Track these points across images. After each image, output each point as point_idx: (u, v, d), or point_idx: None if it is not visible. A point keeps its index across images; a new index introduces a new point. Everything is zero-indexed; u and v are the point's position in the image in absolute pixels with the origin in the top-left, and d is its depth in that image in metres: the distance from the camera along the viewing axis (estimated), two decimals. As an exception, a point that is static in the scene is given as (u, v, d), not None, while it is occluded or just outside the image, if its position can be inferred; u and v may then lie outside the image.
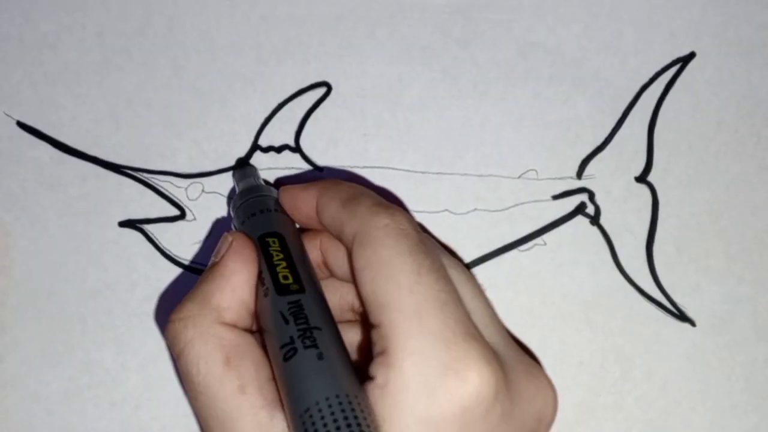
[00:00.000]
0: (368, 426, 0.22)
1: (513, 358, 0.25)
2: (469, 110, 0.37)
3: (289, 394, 0.23)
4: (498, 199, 0.37)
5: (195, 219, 0.37)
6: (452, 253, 0.34)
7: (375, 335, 0.24)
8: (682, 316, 0.36)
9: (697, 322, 0.36)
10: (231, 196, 0.33)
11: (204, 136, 0.38)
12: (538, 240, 0.37)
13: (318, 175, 0.37)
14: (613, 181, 0.37)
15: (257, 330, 0.27)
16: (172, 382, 0.36)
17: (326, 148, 0.37)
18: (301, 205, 0.29)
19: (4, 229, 0.37)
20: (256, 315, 0.27)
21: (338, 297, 0.29)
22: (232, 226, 0.31)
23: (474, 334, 0.23)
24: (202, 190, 0.37)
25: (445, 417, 0.22)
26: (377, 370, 0.23)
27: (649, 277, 0.36)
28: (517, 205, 0.37)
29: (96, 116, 0.38)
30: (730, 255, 0.36)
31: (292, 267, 0.27)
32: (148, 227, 0.37)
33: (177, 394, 0.36)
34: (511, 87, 0.38)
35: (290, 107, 0.38)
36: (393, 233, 0.25)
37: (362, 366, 0.24)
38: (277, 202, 0.31)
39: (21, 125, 0.38)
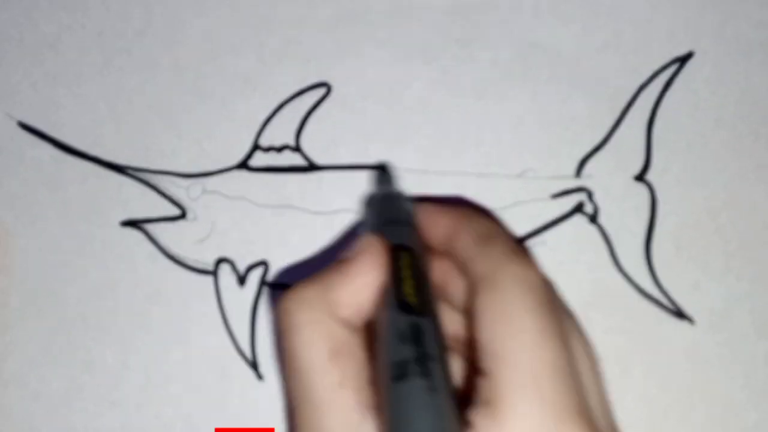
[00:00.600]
0: None
1: None
2: (469, 110, 0.38)
3: (391, 416, 0.23)
4: (497, 198, 0.37)
5: (196, 219, 0.37)
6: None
7: (482, 382, 0.23)
8: (680, 314, 0.36)
9: (695, 320, 0.36)
10: (368, 198, 0.33)
11: (205, 135, 0.38)
12: (537, 239, 0.37)
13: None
14: (611, 180, 0.37)
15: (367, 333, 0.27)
16: (174, 382, 0.36)
17: (326, 147, 0.37)
18: (437, 227, 0.29)
19: (5, 229, 0.37)
20: (373, 322, 0.26)
21: (445, 321, 0.29)
22: (363, 227, 0.31)
23: (586, 414, 0.23)
24: (203, 190, 0.37)
25: None
26: (480, 420, 0.23)
27: (647, 276, 0.36)
28: (516, 204, 0.37)
29: (97, 116, 0.38)
30: (728, 253, 0.36)
31: (419, 287, 0.26)
32: (149, 227, 0.37)
33: (178, 393, 0.36)
34: (511, 87, 0.38)
35: (291, 107, 0.38)
36: (523, 285, 0.24)
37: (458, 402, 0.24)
38: (412, 215, 0.30)
39: (22, 125, 0.38)
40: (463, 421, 0.23)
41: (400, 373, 0.23)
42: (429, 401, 0.22)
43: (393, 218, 0.30)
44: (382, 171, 0.36)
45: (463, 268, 0.27)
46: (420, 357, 0.23)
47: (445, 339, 0.25)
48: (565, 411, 0.22)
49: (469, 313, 0.26)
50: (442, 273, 0.29)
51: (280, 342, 0.25)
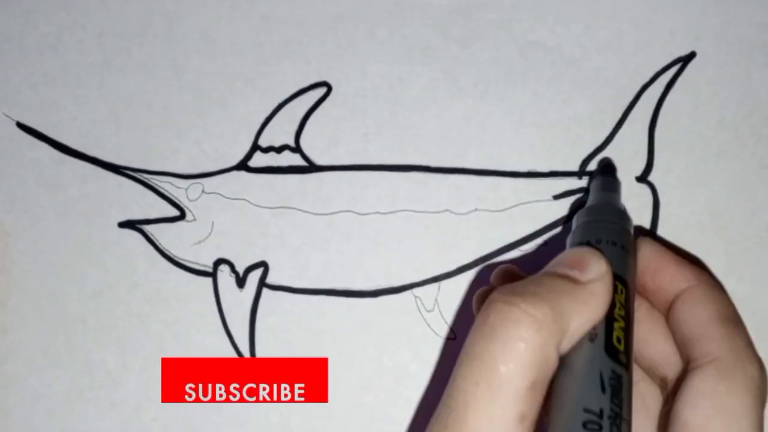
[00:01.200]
0: None
1: None
2: (470, 110, 0.37)
3: None
4: (499, 199, 0.37)
5: (195, 219, 0.37)
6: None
7: None
8: (683, 316, 0.36)
9: (698, 322, 0.36)
10: (580, 202, 0.30)
11: (204, 136, 0.38)
12: (539, 240, 0.36)
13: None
14: (613, 181, 0.37)
15: None
16: (173, 383, 0.36)
17: (326, 148, 0.37)
18: (667, 278, 0.27)
19: (4, 230, 0.37)
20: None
21: None
22: (575, 234, 0.28)
23: None
24: (202, 191, 0.37)
25: None
26: None
27: (649, 277, 0.36)
28: (518, 205, 0.37)
29: (96, 117, 0.38)
30: (730, 254, 0.36)
31: (627, 331, 0.24)
32: (148, 228, 0.37)
33: (177, 394, 0.36)
34: (512, 87, 0.38)
35: (290, 107, 0.38)
36: (752, 386, 0.24)
37: None
38: (631, 241, 0.28)
39: (21, 126, 0.38)
40: None
41: (591, 423, 0.22)
42: None
43: (616, 239, 0.27)
44: (608, 176, 0.33)
45: (686, 336, 0.26)
46: (616, 414, 0.22)
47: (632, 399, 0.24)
48: None
49: (673, 382, 0.25)
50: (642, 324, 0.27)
51: (478, 340, 0.23)
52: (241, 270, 0.36)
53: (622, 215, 0.29)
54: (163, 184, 0.37)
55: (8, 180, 0.37)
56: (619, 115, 0.37)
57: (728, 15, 0.38)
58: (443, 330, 0.36)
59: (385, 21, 0.38)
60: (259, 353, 0.36)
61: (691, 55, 0.38)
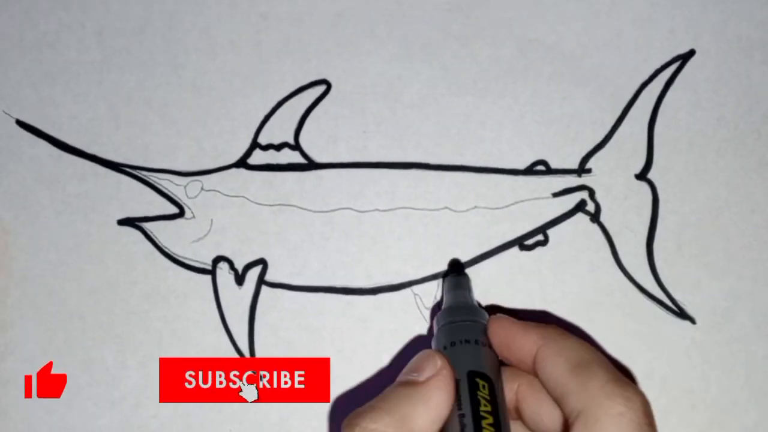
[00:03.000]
0: None
1: None
2: (469, 107, 0.37)
3: None
4: (498, 197, 0.37)
5: (194, 217, 0.37)
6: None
7: None
8: (682, 314, 0.36)
9: (697, 320, 0.36)
10: (436, 306, 0.31)
11: (204, 134, 0.38)
12: (538, 237, 0.36)
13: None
14: (613, 179, 0.37)
15: None
16: (172, 381, 0.36)
17: (326, 145, 0.37)
18: (516, 348, 0.27)
19: (4, 228, 0.37)
20: None
21: None
22: (434, 341, 0.29)
23: None
24: (202, 188, 0.37)
25: None
26: None
27: (649, 275, 0.36)
28: (517, 202, 0.37)
29: (95, 114, 0.38)
30: (730, 252, 0.36)
31: (498, 426, 0.25)
32: (147, 225, 0.37)
33: (176, 392, 0.36)
34: (511, 84, 0.38)
35: (290, 105, 0.38)
36: (625, 426, 0.23)
37: None
38: (485, 331, 0.29)
39: (20, 123, 0.38)
40: None
41: None
42: None
43: (465, 337, 0.28)
44: (456, 274, 0.34)
45: (555, 398, 0.25)
46: None
47: None
48: None
49: None
50: (521, 396, 0.27)
51: None
52: (240, 267, 0.36)
53: (473, 310, 0.30)
54: (163, 181, 0.37)
55: (8, 177, 0.37)
56: (618, 113, 0.37)
57: (727, 13, 0.38)
58: (442, 328, 0.36)
59: (385, 19, 0.38)
60: (258, 350, 0.36)
61: (691, 53, 0.38)
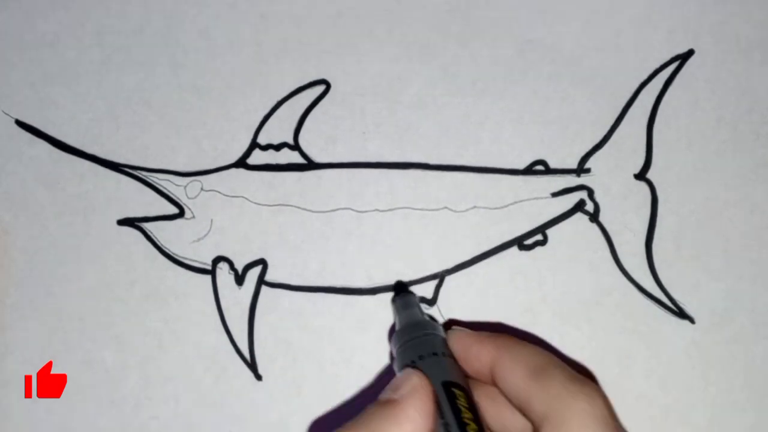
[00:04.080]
0: None
1: None
2: (468, 108, 0.37)
3: None
4: (497, 197, 0.37)
5: (194, 217, 0.37)
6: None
7: None
8: (681, 314, 0.36)
9: (696, 320, 0.36)
10: (396, 330, 0.30)
11: (203, 134, 0.38)
12: (537, 237, 0.36)
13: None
14: (612, 179, 0.37)
15: None
16: (171, 381, 0.36)
17: (325, 145, 0.37)
18: (474, 359, 0.27)
19: (3, 228, 0.37)
20: None
21: None
22: (396, 365, 0.29)
23: None
24: (201, 188, 0.37)
25: None
26: None
27: (648, 275, 0.36)
28: (516, 202, 0.37)
29: (95, 115, 0.38)
30: (729, 252, 0.36)
31: (480, 429, 0.25)
32: (146, 225, 0.37)
33: (176, 392, 0.36)
34: (510, 84, 0.38)
35: (289, 105, 0.38)
36: (591, 421, 0.23)
37: None
38: (445, 343, 0.29)
39: (20, 124, 0.38)
40: None
41: None
42: None
43: (427, 351, 0.28)
44: (402, 294, 0.34)
45: (518, 406, 0.25)
46: None
47: None
48: None
49: None
50: (483, 406, 0.27)
51: None
52: (240, 267, 0.36)
53: (431, 325, 0.30)
54: (162, 181, 0.37)
55: (7, 178, 0.37)
56: (617, 113, 0.37)
57: (726, 13, 0.38)
58: (442, 327, 0.36)
59: (384, 19, 0.38)
60: (258, 350, 0.36)
61: (690, 53, 0.38)
